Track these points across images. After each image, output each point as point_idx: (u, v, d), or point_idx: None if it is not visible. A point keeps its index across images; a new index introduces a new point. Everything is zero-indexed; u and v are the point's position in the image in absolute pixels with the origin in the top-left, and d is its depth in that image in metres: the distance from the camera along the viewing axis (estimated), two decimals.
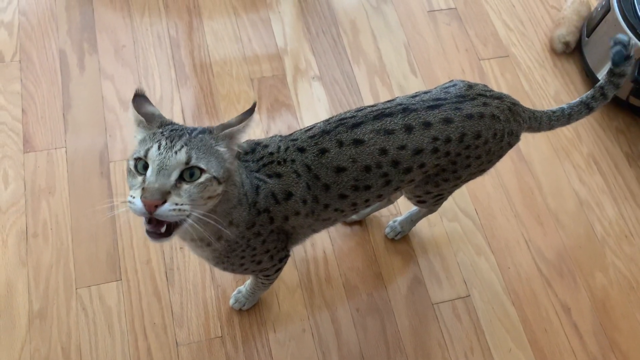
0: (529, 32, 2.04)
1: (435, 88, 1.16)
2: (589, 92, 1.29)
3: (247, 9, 1.97)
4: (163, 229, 0.90)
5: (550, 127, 1.29)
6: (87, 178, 1.63)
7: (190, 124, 1.73)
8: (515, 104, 1.19)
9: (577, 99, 1.30)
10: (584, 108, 1.29)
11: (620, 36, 1.21)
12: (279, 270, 1.27)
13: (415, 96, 1.13)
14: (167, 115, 1.17)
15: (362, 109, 1.13)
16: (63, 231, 1.55)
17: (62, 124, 1.70)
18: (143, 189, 0.87)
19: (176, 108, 1.76)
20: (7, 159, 1.63)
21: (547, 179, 1.76)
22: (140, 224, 1.56)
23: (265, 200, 1.07)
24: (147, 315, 1.46)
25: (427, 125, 1.09)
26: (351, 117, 1.11)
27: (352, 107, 1.82)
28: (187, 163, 0.89)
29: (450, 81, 1.17)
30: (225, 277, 1.52)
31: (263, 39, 1.92)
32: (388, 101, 1.14)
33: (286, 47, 1.92)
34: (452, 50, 1.97)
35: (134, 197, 0.88)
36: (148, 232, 0.91)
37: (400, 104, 1.11)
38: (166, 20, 1.92)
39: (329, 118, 1.13)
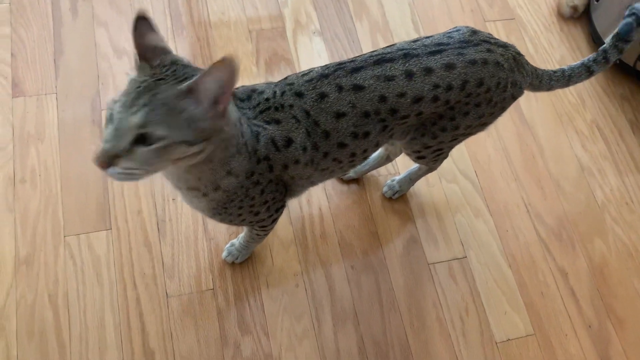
0: None
1: (438, 33, 1.11)
2: (591, 55, 1.25)
3: None
4: None
5: (550, 87, 1.25)
6: (78, 125, 1.58)
7: None
8: (520, 54, 1.15)
9: (579, 62, 1.26)
10: (585, 71, 1.25)
11: (638, 5, 1.16)
12: (275, 220, 1.23)
13: (417, 41, 1.09)
14: None
15: (360, 55, 1.08)
16: (52, 178, 1.50)
17: (53, 69, 1.65)
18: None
19: None
20: None
21: (549, 143, 1.72)
22: None
23: (266, 147, 1.03)
24: (137, 266, 1.42)
25: (429, 71, 1.05)
26: (350, 62, 1.06)
27: None
28: (142, 127, 0.81)
29: (454, 27, 1.12)
30: (219, 230, 1.48)
31: None
32: (388, 46, 1.10)
33: (286, 0, 1.85)
34: (457, 10, 1.92)
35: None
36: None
37: (402, 49, 1.07)
38: None
39: (328, 64, 1.08)
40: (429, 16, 1.89)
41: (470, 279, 1.51)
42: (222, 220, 1.15)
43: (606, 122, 1.78)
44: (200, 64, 1.71)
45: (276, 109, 1.03)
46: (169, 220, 1.48)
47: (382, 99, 1.04)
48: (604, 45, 1.23)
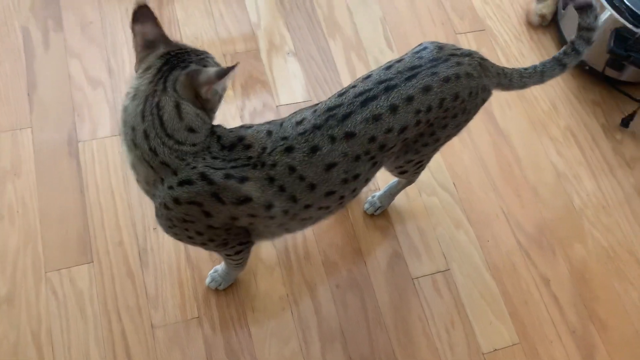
0: (505, 5, 2.02)
1: (406, 54, 1.12)
2: (561, 49, 1.24)
3: None
4: None
5: (523, 84, 1.24)
6: (55, 159, 1.57)
7: None
8: (483, 58, 1.16)
9: (550, 57, 1.25)
10: (557, 65, 1.24)
11: None
12: (239, 252, 1.20)
13: (390, 67, 1.09)
14: None
15: (343, 93, 1.07)
16: (30, 214, 1.49)
17: (27, 103, 1.64)
18: None
19: None
20: None
21: (525, 152, 1.75)
22: (111, 204, 1.52)
23: (193, 197, 0.98)
24: (121, 298, 1.42)
25: (410, 99, 1.06)
26: (338, 106, 1.04)
27: (328, 83, 1.79)
28: None
29: (419, 45, 1.14)
30: (201, 257, 1.48)
31: (236, 14, 1.87)
32: (365, 78, 1.09)
33: (259, 22, 1.87)
34: (428, 23, 1.94)
35: None
36: None
37: (380, 82, 1.06)
38: None
39: (315, 107, 1.07)
40: (400, 32, 1.91)
41: (454, 291, 1.52)
42: (167, 233, 1.12)
43: (579, 127, 1.81)
44: None
45: (254, 166, 1.00)
46: (151, 249, 1.48)
47: (372, 139, 1.05)
48: (571, 37, 1.22)
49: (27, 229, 1.47)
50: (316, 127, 1.02)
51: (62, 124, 1.62)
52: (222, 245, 1.13)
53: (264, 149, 1.01)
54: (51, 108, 1.64)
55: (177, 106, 0.94)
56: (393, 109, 1.05)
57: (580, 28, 1.19)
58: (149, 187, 1.02)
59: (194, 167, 0.97)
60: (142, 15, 0.93)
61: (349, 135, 1.03)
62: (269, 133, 1.03)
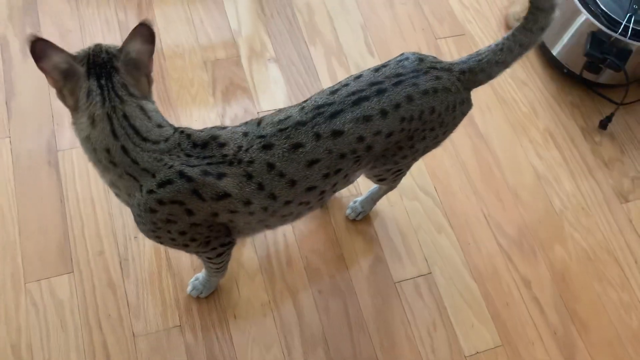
0: (484, 10, 2.04)
1: (390, 61, 1.13)
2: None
3: None
4: None
5: (506, 65, 1.17)
6: (34, 168, 1.56)
7: None
8: (463, 71, 1.14)
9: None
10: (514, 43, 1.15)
11: None
12: (220, 255, 1.20)
13: (378, 70, 1.10)
14: None
15: (336, 90, 1.07)
16: (9, 224, 1.47)
17: (6, 112, 1.62)
18: None
19: None
20: None
21: (505, 155, 1.76)
22: (91, 214, 1.51)
23: (174, 195, 0.98)
24: (102, 308, 1.41)
25: (397, 106, 1.07)
26: (329, 105, 1.05)
27: (309, 89, 1.79)
28: None
29: (401, 54, 1.15)
30: (182, 265, 1.48)
31: (216, 21, 1.87)
32: (357, 77, 1.09)
33: (240, 29, 1.87)
34: (408, 29, 1.96)
35: None
36: None
37: (373, 83, 1.07)
38: (114, 3, 1.85)
39: (303, 105, 1.06)
40: (381, 37, 1.92)
41: (436, 294, 1.53)
42: (148, 237, 1.11)
43: (558, 129, 1.83)
44: (156, 97, 1.71)
45: (230, 163, 1.00)
46: (132, 258, 1.47)
47: (360, 139, 1.05)
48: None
49: (5, 240, 1.45)
50: (300, 124, 1.03)
51: (42, 133, 1.61)
52: (203, 245, 1.13)
53: (239, 147, 1.01)
54: (30, 117, 1.63)
55: (142, 108, 0.96)
56: (383, 112, 1.06)
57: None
58: (130, 197, 1.02)
59: (171, 167, 0.98)
60: (44, 49, 0.88)
61: (337, 133, 1.03)
62: (245, 134, 1.03)
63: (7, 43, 1.73)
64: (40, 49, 0.88)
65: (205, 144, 1.01)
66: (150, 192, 0.98)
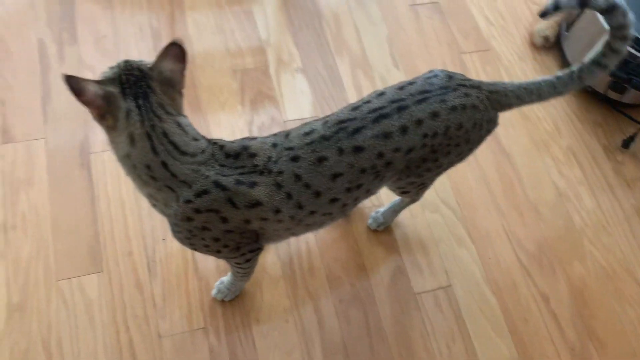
0: (510, 26, 2.06)
1: (418, 78, 1.16)
2: (594, 53, 1.17)
3: (229, 0, 1.96)
4: None
5: (541, 97, 1.21)
6: (67, 169, 1.61)
7: None
8: (492, 91, 1.18)
9: (585, 62, 1.19)
10: (596, 67, 1.17)
11: None
12: (249, 260, 1.24)
13: (403, 88, 1.14)
14: None
15: (358, 107, 1.11)
16: (43, 223, 1.52)
17: (42, 114, 1.68)
18: None
19: None
20: None
21: (527, 171, 1.78)
22: (121, 215, 1.55)
23: (211, 204, 1.02)
24: (129, 307, 1.45)
25: (419, 123, 1.10)
26: (351, 120, 1.08)
27: (335, 99, 1.83)
28: None
29: (430, 71, 1.18)
30: (209, 268, 1.51)
31: (246, 31, 1.91)
32: (379, 94, 1.13)
33: (269, 39, 1.91)
34: (434, 43, 1.98)
35: None
36: None
37: (394, 101, 1.10)
38: (148, 11, 1.90)
39: (326, 119, 1.10)
40: (407, 51, 1.95)
41: (455, 307, 1.55)
42: (182, 244, 1.15)
43: (581, 148, 1.85)
44: (186, 103, 1.75)
45: (261, 173, 1.04)
46: (160, 260, 1.51)
47: (380, 155, 1.09)
48: (606, 39, 1.15)
49: (39, 238, 1.50)
50: (325, 138, 1.07)
51: (75, 135, 1.66)
52: (234, 250, 1.16)
53: (269, 157, 1.05)
54: (65, 119, 1.68)
55: (178, 124, 1.00)
56: (403, 129, 1.09)
57: (613, 28, 1.12)
58: (167, 207, 1.06)
59: (207, 177, 1.02)
60: (79, 83, 0.91)
61: (358, 149, 1.07)
62: (274, 145, 1.07)
63: (45, 47, 1.78)
64: (74, 84, 0.91)
65: (237, 155, 1.06)
66: (188, 202, 1.02)
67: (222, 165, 1.04)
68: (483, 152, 1.79)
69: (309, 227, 1.18)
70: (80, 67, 1.76)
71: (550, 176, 1.79)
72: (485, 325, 1.53)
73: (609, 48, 1.15)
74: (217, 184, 1.02)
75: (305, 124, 1.12)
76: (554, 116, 1.89)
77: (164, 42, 1.82)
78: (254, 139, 1.10)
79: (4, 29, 1.80)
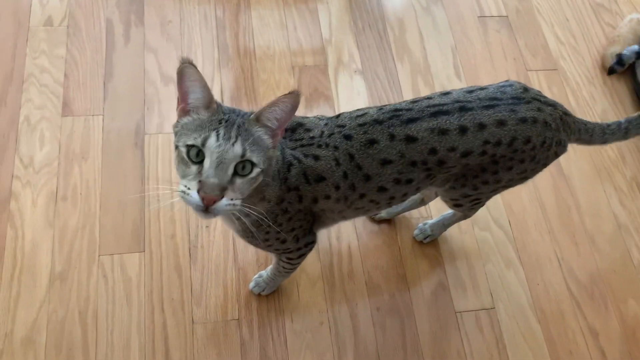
0: (581, 47, 1.98)
1: (491, 85, 1.12)
2: None
3: None
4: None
5: (604, 140, 1.24)
6: (121, 147, 1.63)
7: (228, 104, 1.72)
8: (567, 113, 1.15)
9: (636, 114, 1.24)
10: None
11: None
12: (302, 255, 1.24)
13: (472, 91, 1.10)
14: None
15: (417, 100, 1.09)
16: (92, 197, 1.55)
17: (102, 92, 1.71)
18: (200, 182, 0.86)
19: (216, 88, 1.76)
20: (45, 121, 1.64)
21: (586, 198, 1.70)
22: (168, 197, 1.56)
23: (296, 179, 1.05)
24: (166, 290, 1.45)
25: (481, 127, 1.06)
26: (407, 110, 1.07)
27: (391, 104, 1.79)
28: (242, 156, 0.88)
29: (506, 80, 1.13)
30: (248, 260, 1.50)
31: (308, 29, 1.90)
32: (444, 93, 1.10)
33: (331, 38, 1.90)
34: (499, 57, 1.92)
35: (189, 189, 0.87)
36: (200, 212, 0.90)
37: (458, 101, 1.07)
38: (214, 0, 1.92)
39: (383, 106, 1.10)
40: (471, 62, 1.90)
41: (497, 330, 1.48)
42: (250, 243, 1.17)
43: None
44: (243, 94, 1.76)
45: (319, 146, 1.06)
46: (201, 246, 1.51)
47: (433, 151, 1.06)
48: None
49: (87, 212, 1.52)
50: (377, 122, 1.06)
51: (132, 115, 1.68)
52: (295, 241, 1.16)
53: (322, 132, 1.07)
54: (124, 98, 1.71)
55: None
56: (462, 129, 1.05)
57: None
58: (260, 202, 1.04)
59: (283, 149, 1.04)
60: (191, 71, 0.90)
61: (410, 139, 1.05)
62: (326, 124, 1.09)
63: (113, 27, 1.82)
64: (188, 71, 0.89)
65: (293, 129, 1.07)
66: (285, 180, 1.04)
67: (283, 138, 1.05)
68: (541, 174, 1.69)
69: (357, 211, 1.18)
70: (144, 49, 1.79)
71: (610, 206, 1.69)
72: (526, 352, 1.46)
73: None
74: (295, 157, 1.04)
75: (359, 109, 1.11)
76: (619, 144, 1.80)
77: (228, 32, 1.85)
78: (305, 117, 1.11)
79: (76, 6, 1.85)
